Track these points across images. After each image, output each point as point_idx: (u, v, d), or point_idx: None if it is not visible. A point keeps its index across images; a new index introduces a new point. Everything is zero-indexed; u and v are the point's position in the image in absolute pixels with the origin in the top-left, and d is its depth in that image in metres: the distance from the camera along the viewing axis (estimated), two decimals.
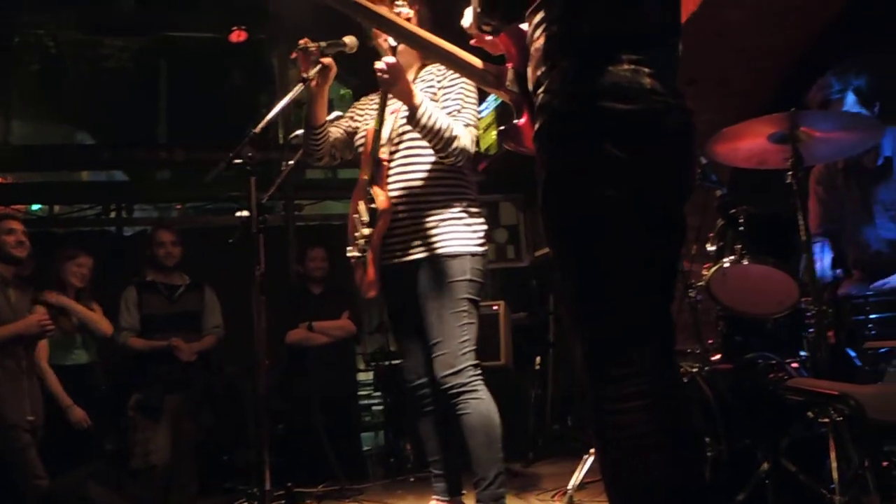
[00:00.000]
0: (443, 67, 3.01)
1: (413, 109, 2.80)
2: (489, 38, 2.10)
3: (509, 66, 2.08)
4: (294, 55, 3.01)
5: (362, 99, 3.33)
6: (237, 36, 6.94)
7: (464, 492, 3.13)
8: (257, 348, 2.79)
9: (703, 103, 4.62)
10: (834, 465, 2.24)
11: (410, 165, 3.00)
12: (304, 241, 6.30)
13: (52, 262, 4.68)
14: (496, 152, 6.34)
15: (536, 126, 1.77)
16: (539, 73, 1.79)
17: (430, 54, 2.20)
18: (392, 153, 3.02)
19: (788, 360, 3.02)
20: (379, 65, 2.79)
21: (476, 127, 3.00)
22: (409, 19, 2.80)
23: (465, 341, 2.91)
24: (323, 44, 2.99)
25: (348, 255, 3.05)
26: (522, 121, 2.02)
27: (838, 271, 3.16)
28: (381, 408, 6.26)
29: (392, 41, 2.80)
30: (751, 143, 2.77)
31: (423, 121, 2.80)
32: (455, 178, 3.03)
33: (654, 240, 1.70)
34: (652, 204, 1.68)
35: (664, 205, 1.72)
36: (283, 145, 6.32)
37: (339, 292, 5.62)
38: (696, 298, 3.28)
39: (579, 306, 1.71)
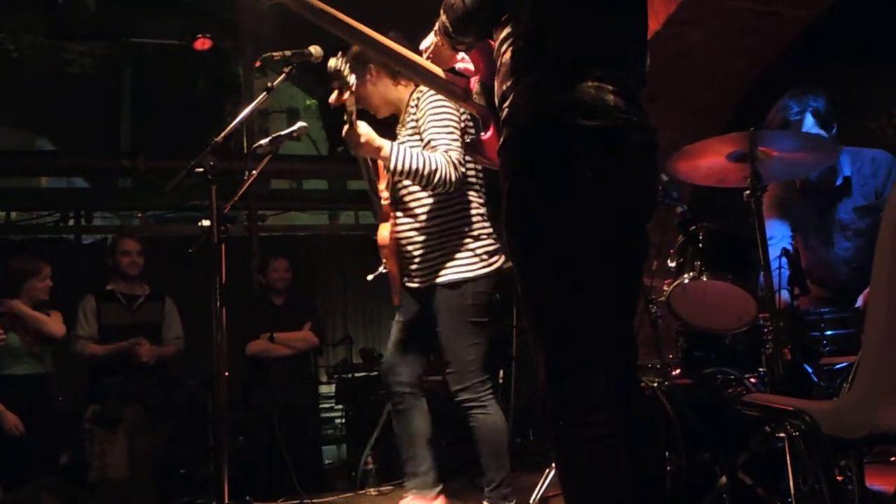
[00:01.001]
0: (416, 100, 3.14)
1: (385, 162, 2.92)
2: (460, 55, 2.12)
3: (476, 79, 2.10)
4: (258, 64, 3.00)
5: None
6: (202, 44, 6.88)
7: (440, 485, 3.30)
8: (217, 360, 2.76)
9: (664, 121, 4.68)
10: (791, 479, 2.28)
11: (409, 202, 3.16)
12: (267, 252, 6.25)
13: (9, 273, 4.58)
14: None
15: (501, 139, 1.78)
16: (505, 87, 1.80)
17: (398, 65, 2.20)
18: (392, 193, 3.21)
19: (747, 376, 3.06)
20: (344, 134, 2.89)
21: (457, 148, 3.01)
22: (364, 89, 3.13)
23: (471, 360, 3.09)
24: (288, 53, 2.99)
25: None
26: (488, 134, 2.03)
27: (795, 289, 3.21)
28: (342, 421, 6.22)
29: (350, 105, 2.83)
30: (710, 162, 2.80)
31: (399, 168, 2.90)
32: (453, 203, 3.13)
33: (617, 255, 1.72)
34: (615, 219, 1.70)
35: (627, 220, 1.74)
36: (247, 155, 6.27)
37: (301, 303, 5.58)
38: (657, 314, 3.31)
39: (541, 320, 1.72)
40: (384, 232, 3.18)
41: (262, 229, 7.38)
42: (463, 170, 3.00)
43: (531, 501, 3.65)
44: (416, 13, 2.47)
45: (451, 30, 1.95)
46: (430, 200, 3.12)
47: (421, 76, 2.26)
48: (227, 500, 2.70)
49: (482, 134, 2.06)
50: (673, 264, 3.08)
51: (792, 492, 2.27)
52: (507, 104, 1.79)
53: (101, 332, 4.77)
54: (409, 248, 3.17)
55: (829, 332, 2.86)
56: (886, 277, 1.54)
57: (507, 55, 1.80)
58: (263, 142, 3.30)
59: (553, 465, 3.52)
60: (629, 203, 1.74)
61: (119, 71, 8.31)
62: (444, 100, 3.01)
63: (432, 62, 2.17)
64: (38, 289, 4.56)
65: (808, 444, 2.20)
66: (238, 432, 4.93)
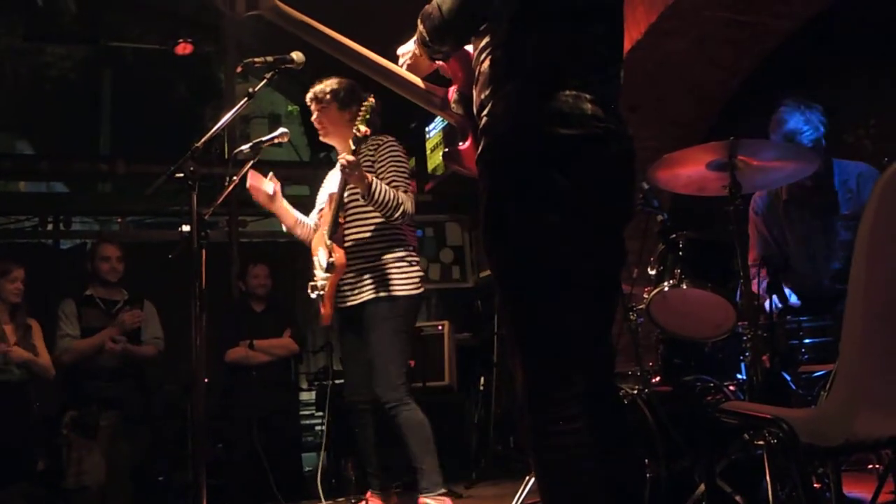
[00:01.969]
0: (376, 144, 3.58)
1: (368, 189, 3.36)
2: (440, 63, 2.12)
3: (454, 88, 2.10)
4: (240, 69, 2.99)
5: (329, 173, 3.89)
6: (183, 48, 6.85)
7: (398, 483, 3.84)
8: (196, 366, 2.74)
9: (645, 130, 4.71)
10: (769, 486, 2.29)
11: (359, 224, 3.57)
12: (247, 258, 6.21)
13: None
14: (443, 173, 6.36)
15: (480, 148, 1.78)
16: (483, 96, 1.81)
17: (376, 75, 2.20)
18: (346, 215, 3.58)
19: (726, 383, 3.07)
20: (341, 160, 3.37)
21: (411, 190, 3.58)
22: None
23: (398, 367, 3.49)
24: (270, 58, 2.99)
25: (310, 292, 3.63)
26: (466, 144, 2.03)
27: (774, 297, 3.23)
28: (322, 428, 6.19)
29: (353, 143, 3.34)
30: (690, 170, 2.82)
31: (376, 197, 3.38)
32: (394, 233, 3.58)
33: (594, 263, 1.72)
34: (592, 227, 1.71)
35: (604, 228, 1.74)
36: (228, 160, 6.24)
37: (281, 310, 5.55)
38: (637, 321, 3.32)
39: (520, 328, 1.72)
40: (339, 253, 3.53)
41: (242, 235, 7.33)
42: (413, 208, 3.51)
43: None
44: (394, 21, 2.47)
45: (427, 39, 1.96)
46: (374, 227, 3.55)
47: (399, 86, 2.25)
48: None
49: (460, 144, 2.06)
50: (653, 272, 3.10)
51: (770, 499, 2.28)
52: (485, 113, 1.80)
53: (81, 336, 4.72)
54: (351, 266, 3.54)
55: (807, 341, 2.88)
56: (863, 286, 1.55)
57: (486, 64, 1.81)
58: (244, 147, 3.30)
59: (533, 473, 3.52)
60: (607, 211, 1.75)
61: (99, 75, 8.25)
62: (402, 150, 3.62)
63: (410, 71, 2.16)
64: (8, 290, 4.52)
65: (786, 451, 2.21)
66: (217, 439, 4.90)
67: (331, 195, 3.64)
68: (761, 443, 2.33)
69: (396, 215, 3.43)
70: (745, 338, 2.91)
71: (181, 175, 2.74)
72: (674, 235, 3.06)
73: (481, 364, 5.84)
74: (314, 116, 3.64)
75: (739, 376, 3.14)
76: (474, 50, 1.90)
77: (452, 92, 2.12)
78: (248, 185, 3.60)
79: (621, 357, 3.44)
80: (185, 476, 4.60)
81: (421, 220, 6.85)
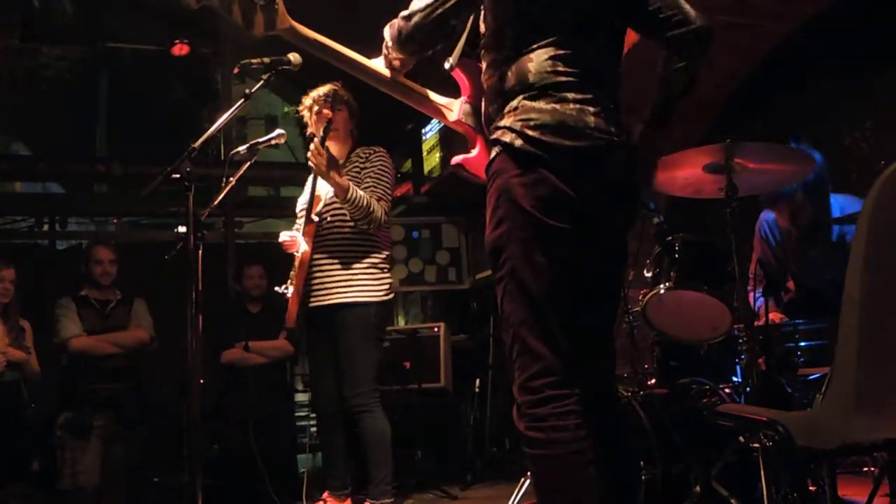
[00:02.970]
0: (366, 154, 3.68)
1: (343, 191, 3.43)
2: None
3: (464, 99, 2.15)
4: (237, 70, 3.00)
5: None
6: (180, 49, 6.84)
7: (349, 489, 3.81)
8: (192, 367, 2.74)
9: None
10: (764, 488, 2.29)
11: (334, 227, 3.62)
12: (243, 259, 6.21)
13: None
14: (439, 175, 6.36)
15: (490, 159, 1.83)
16: (491, 109, 1.89)
17: (393, 92, 2.21)
18: (321, 215, 3.62)
19: (722, 386, 3.08)
20: (310, 156, 3.43)
21: (389, 200, 3.67)
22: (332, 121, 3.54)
23: (368, 370, 3.56)
24: (267, 60, 2.98)
25: (277, 289, 3.67)
26: (475, 152, 2.09)
27: (769, 299, 3.24)
28: (317, 429, 6.18)
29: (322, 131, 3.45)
30: (687, 173, 2.83)
31: (351, 196, 3.45)
32: (367, 239, 3.64)
33: (598, 269, 1.76)
34: (596, 234, 1.75)
35: (608, 234, 1.79)
36: (225, 161, 6.24)
37: (277, 311, 5.51)
38: (633, 323, 3.32)
39: (522, 330, 1.74)
40: (304, 248, 3.57)
41: (238, 236, 7.32)
42: (386, 217, 3.61)
43: None
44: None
45: (390, 45, 2.06)
46: (349, 231, 3.60)
47: (414, 101, 2.26)
48: None
49: (469, 152, 2.11)
50: (649, 274, 3.10)
51: (765, 502, 2.28)
52: (493, 126, 1.86)
53: None
54: (324, 268, 3.60)
55: (803, 344, 2.89)
56: (859, 289, 1.56)
57: (494, 79, 1.88)
58: (241, 149, 3.30)
59: (528, 474, 3.52)
60: (610, 218, 1.81)
61: (95, 75, 8.23)
62: (390, 163, 3.71)
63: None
64: None
65: (781, 454, 2.22)
66: (213, 440, 4.88)
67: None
68: (757, 445, 2.34)
69: (368, 220, 3.51)
70: (740, 340, 2.92)
71: (178, 176, 2.74)
72: (670, 238, 3.06)
73: (477, 366, 5.83)
74: (331, 116, 3.57)
75: (735, 379, 3.15)
76: (482, 65, 1.96)
77: (462, 103, 2.16)
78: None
79: (617, 359, 3.43)
80: (180, 477, 4.60)
81: (417, 222, 6.86)
